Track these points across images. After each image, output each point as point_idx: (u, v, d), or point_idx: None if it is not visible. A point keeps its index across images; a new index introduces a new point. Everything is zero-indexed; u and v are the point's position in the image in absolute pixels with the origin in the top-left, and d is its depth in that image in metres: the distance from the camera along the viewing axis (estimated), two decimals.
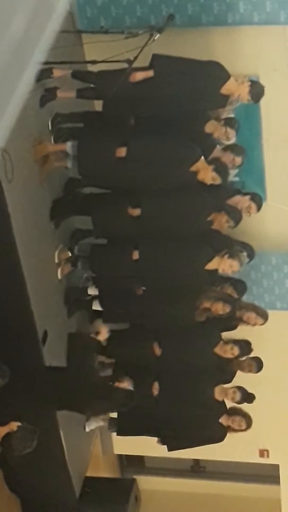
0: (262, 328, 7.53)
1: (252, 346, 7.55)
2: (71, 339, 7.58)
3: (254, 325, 7.43)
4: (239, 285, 7.63)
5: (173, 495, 10.51)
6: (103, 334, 7.66)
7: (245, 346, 7.44)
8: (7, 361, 6.30)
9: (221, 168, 6.88)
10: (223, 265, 7.06)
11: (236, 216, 7.04)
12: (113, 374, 7.73)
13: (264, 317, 7.40)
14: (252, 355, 7.62)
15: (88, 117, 7.23)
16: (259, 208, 7.22)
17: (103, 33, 6.79)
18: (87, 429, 8.43)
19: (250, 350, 7.53)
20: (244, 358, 7.61)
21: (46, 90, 6.85)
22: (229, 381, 7.63)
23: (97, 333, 7.71)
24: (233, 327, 7.55)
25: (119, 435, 8.24)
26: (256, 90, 6.80)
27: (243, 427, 7.47)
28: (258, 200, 7.25)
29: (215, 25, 7.29)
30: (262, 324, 7.41)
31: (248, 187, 7.93)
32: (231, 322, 7.45)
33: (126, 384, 7.01)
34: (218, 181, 6.84)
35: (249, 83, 6.77)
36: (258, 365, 7.67)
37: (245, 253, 7.28)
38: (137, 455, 10.31)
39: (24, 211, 6.54)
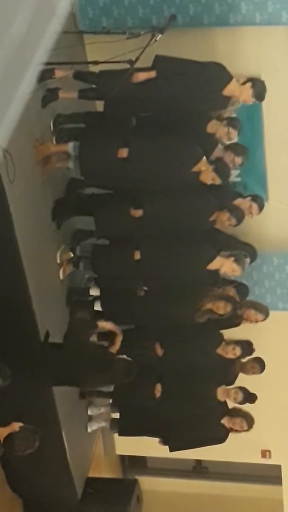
0: (264, 329, 7.53)
1: (254, 346, 7.56)
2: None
3: (255, 322, 7.41)
4: (242, 288, 7.62)
5: (175, 496, 10.50)
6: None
7: (246, 346, 7.44)
8: (8, 362, 6.30)
9: (221, 169, 6.88)
10: (226, 267, 7.05)
11: (238, 214, 7.04)
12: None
13: (264, 312, 7.38)
14: (254, 355, 7.62)
15: (90, 118, 7.23)
16: (261, 208, 7.22)
17: (105, 34, 6.79)
18: (89, 430, 8.43)
19: (251, 350, 7.53)
20: (246, 360, 7.62)
21: (48, 90, 6.85)
22: (232, 382, 7.63)
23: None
24: (236, 324, 7.53)
25: (121, 435, 8.24)
26: (259, 89, 6.79)
27: (245, 427, 7.47)
28: (259, 200, 7.25)
29: (217, 26, 7.29)
30: (264, 319, 7.39)
31: (250, 187, 7.93)
32: (233, 320, 7.43)
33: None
34: (217, 181, 6.85)
35: (250, 84, 6.75)
36: (260, 366, 7.66)
37: (248, 259, 7.27)
38: (139, 456, 10.30)
39: (26, 211, 6.54)
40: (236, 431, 7.51)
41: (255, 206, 7.18)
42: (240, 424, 7.46)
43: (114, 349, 7.07)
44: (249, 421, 7.45)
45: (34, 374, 6.77)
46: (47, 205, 7.09)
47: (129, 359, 6.88)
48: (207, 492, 10.47)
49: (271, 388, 8.55)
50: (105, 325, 7.34)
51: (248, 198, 7.22)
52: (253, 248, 7.53)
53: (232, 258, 7.03)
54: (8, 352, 6.46)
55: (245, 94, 6.76)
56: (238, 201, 7.21)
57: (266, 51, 7.44)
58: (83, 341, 7.11)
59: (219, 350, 7.39)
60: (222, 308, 7.06)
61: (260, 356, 7.67)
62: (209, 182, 6.87)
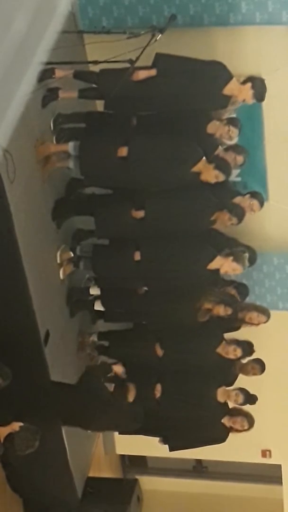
0: (264, 329, 7.52)
1: (254, 347, 7.56)
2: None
3: (257, 324, 7.41)
4: (242, 288, 7.62)
5: (175, 495, 10.51)
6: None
7: (247, 347, 7.43)
8: (9, 362, 6.30)
9: (222, 165, 6.87)
10: (226, 267, 7.04)
11: (238, 212, 7.03)
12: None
13: (266, 314, 7.39)
14: (254, 356, 7.61)
15: (90, 117, 7.23)
16: (261, 204, 7.21)
17: (105, 34, 6.79)
18: None
19: (252, 351, 7.53)
20: (246, 361, 7.61)
21: (48, 90, 6.85)
22: (232, 383, 7.62)
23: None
24: (236, 329, 7.54)
25: (121, 434, 8.24)
26: (259, 89, 6.77)
27: (246, 427, 7.46)
28: (259, 196, 7.25)
29: (217, 25, 7.29)
30: (266, 322, 7.40)
31: (250, 187, 7.92)
32: (233, 323, 7.43)
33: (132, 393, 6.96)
34: (221, 178, 6.83)
35: (251, 84, 6.74)
36: (261, 367, 7.66)
37: (247, 255, 7.27)
38: (139, 455, 10.31)
39: (26, 211, 6.54)
40: (237, 430, 7.50)
41: (255, 202, 7.18)
42: (241, 423, 7.45)
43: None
44: (250, 420, 7.45)
45: (34, 375, 6.77)
46: (47, 204, 7.09)
47: (138, 407, 6.91)
48: (207, 492, 10.48)
49: (271, 388, 8.55)
50: (118, 370, 7.39)
51: (248, 195, 7.22)
52: (253, 251, 7.52)
53: (231, 258, 7.03)
54: (8, 352, 6.46)
55: (245, 95, 6.74)
56: (238, 199, 7.20)
57: (266, 51, 7.44)
58: (96, 385, 7.08)
59: (219, 350, 7.38)
60: (222, 311, 7.09)
61: (260, 356, 7.66)
62: (213, 180, 6.84)
